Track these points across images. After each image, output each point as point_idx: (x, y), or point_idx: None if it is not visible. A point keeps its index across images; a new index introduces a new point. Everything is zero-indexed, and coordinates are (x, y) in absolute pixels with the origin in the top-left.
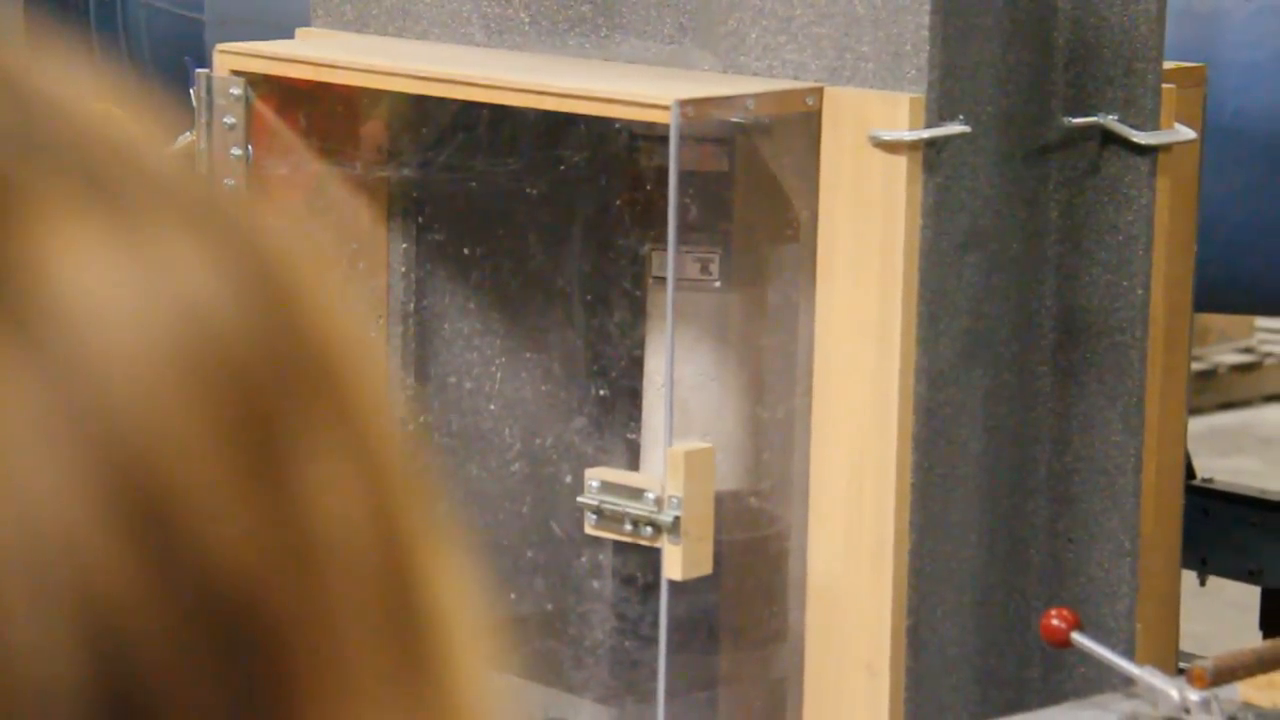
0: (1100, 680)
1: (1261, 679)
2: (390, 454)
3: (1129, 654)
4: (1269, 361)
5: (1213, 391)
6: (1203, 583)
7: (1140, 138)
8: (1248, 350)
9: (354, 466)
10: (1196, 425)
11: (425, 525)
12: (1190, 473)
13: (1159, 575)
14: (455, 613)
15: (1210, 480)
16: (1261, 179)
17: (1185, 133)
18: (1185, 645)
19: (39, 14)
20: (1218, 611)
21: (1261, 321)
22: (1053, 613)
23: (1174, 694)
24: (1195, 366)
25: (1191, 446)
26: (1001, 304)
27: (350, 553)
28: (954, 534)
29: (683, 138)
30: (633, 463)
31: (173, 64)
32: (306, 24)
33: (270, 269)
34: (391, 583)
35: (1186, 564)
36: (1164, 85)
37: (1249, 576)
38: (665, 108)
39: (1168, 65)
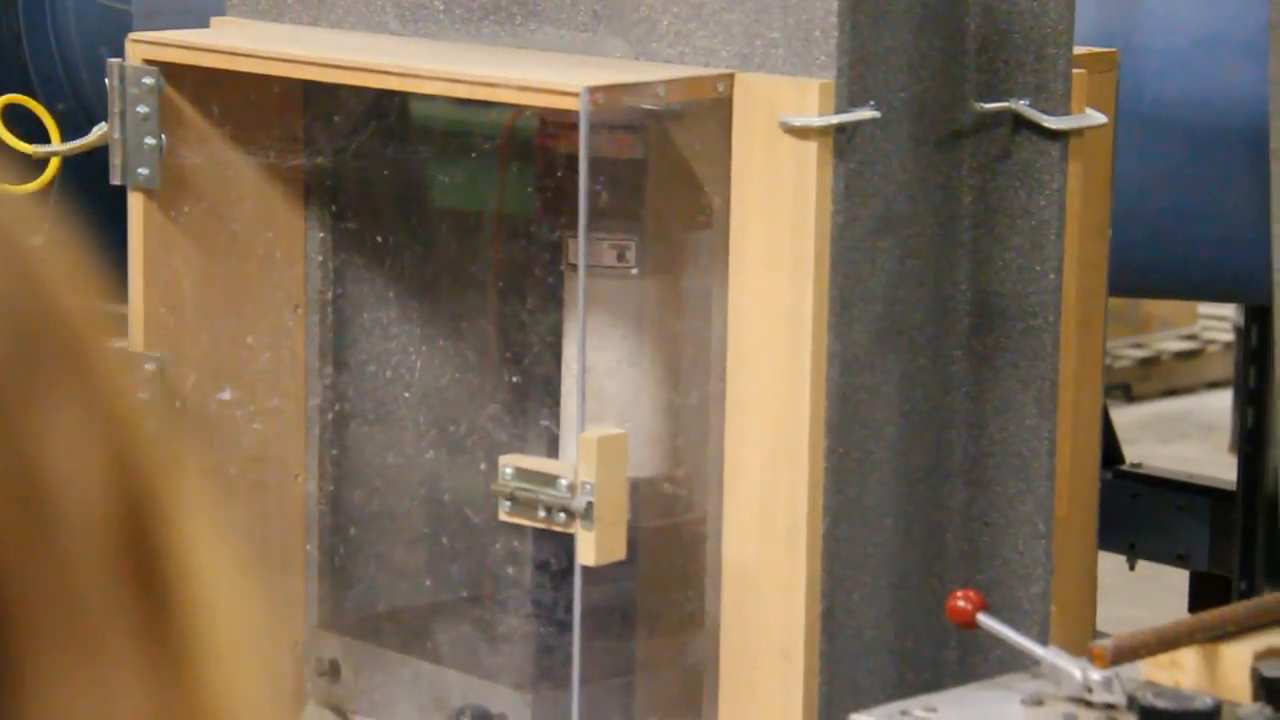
0: (1016, 662)
1: (1164, 658)
2: (134, 427)
3: (1043, 636)
4: (1211, 348)
5: (1156, 378)
6: (1132, 567)
7: (1051, 122)
8: (1191, 337)
9: (91, 432)
10: (1140, 412)
11: (173, 494)
12: (1119, 457)
13: (1075, 558)
14: (203, 576)
15: (1139, 465)
16: (1181, 164)
17: (1096, 117)
18: (1119, 629)
19: None
20: (1153, 595)
21: (1204, 308)
22: (959, 594)
23: (1077, 673)
24: (1138, 353)
25: (1134, 433)
26: (915, 289)
27: (83, 510)
28: (869, 518)
29: (593, 125)
30: (552, 450)
31: (101, 56)
32: None
33: (14, 255)
34: (129, 542)
35: (1115, 549)
36: (1075, 70)
37: (1178, 561)
38: (575, 95)
39: (1080, 50)
